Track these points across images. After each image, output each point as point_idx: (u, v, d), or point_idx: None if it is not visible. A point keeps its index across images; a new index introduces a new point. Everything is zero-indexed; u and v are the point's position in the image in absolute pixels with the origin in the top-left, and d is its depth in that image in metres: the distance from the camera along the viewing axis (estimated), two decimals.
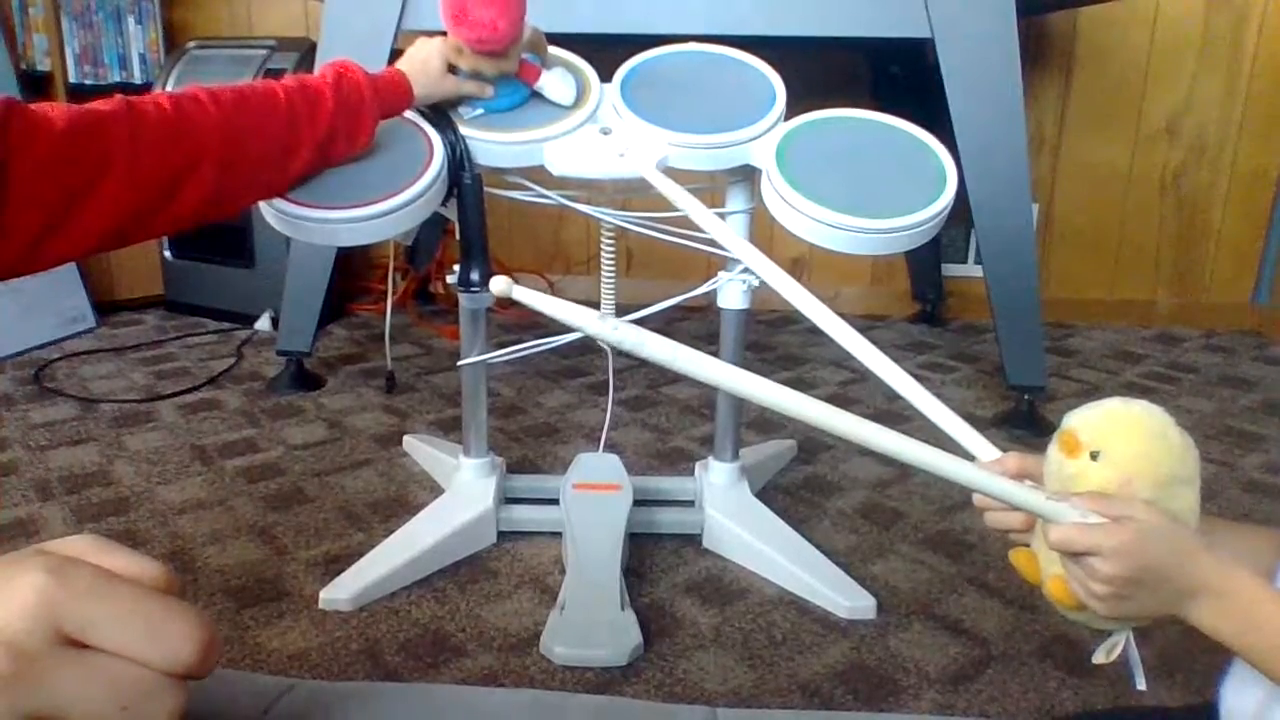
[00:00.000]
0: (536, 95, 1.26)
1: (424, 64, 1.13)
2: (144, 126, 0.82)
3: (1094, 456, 0.58)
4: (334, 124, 0.99)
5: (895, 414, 2.04)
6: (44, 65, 2.57)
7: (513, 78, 1.22)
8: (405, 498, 1.63)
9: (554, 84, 1.25)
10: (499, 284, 0.58)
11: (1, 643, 0.26)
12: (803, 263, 2.69)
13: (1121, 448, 0.58)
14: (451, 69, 1.16)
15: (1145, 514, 0.55)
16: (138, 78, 2.72)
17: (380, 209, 1.10)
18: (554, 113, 1.27)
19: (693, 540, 1.49)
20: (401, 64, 1.14)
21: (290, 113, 0.95)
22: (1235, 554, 0.56)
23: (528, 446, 1.86)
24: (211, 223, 0.93)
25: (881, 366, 0.74)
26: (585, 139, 1.26)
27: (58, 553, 0.29)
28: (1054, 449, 0.61)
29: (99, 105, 0.81)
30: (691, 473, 1.61)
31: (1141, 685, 0.62)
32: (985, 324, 1.79)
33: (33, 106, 0.75)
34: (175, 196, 0.86)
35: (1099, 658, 0.61)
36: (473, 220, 1.27)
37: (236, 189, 0.94)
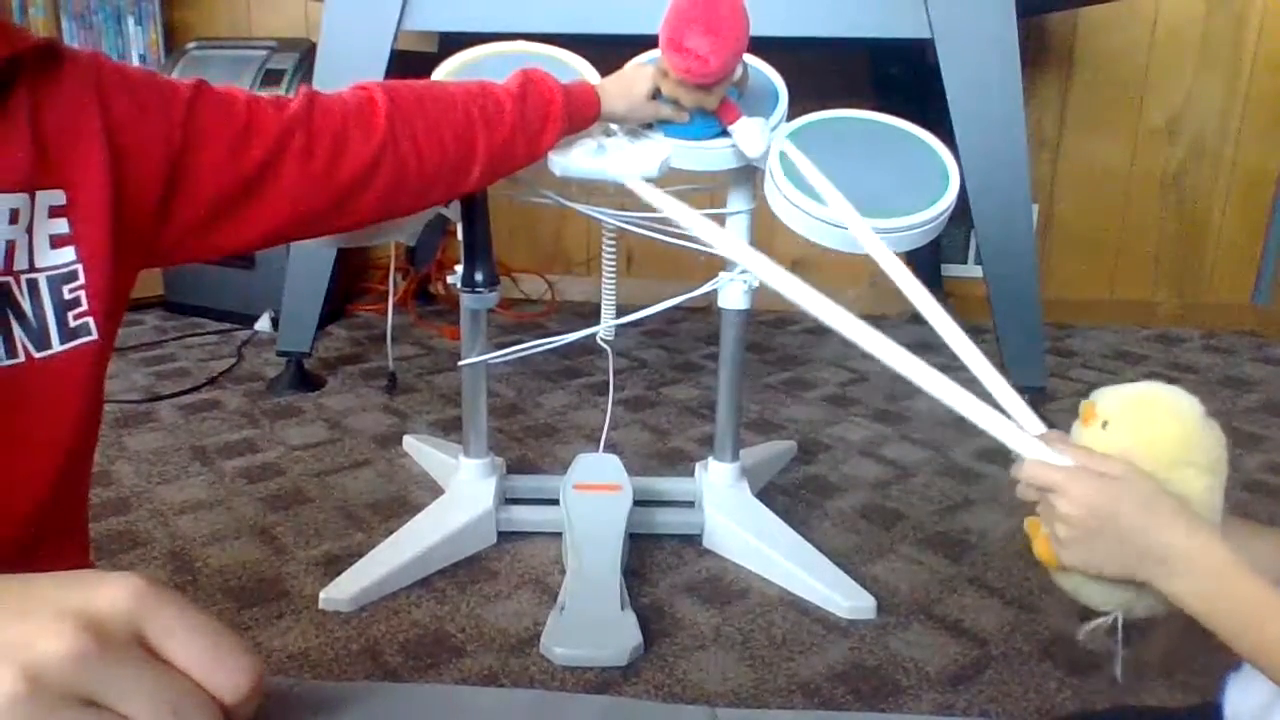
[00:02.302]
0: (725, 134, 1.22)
1: (629, 85, 1.13)
2: (319, 131, 0.78)
3: (1105, 427, 0.59)
4: (514, 134, 0.97)
5: (895, 414, 2.04)
6: None
7: (710, 112, 1.19)
8: (405, 498, 1.63)
9: (748, 132, 1.19)
10: None
11: (89, 623, 0.28)
12: (803, 263, 2.68)
13: (1129, 421, 0.59)
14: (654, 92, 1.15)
15: (1123, 472, 0.56)
16: None
17: None
18: None
19: (693, 540, 1.49)
20: (608, 80, 1.15)
21: (467, 119, 0.92)
22: (1253, 555, 0.56)
23: (528, 447, 1.86)
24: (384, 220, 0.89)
25: (899, 360, 0.75)
26: (587, 140, 1.25)
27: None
28: (1077, 419, 0.62)
29: (282, 99, 0.78)
30: (691, 473, 1.61)
31: (1117, 674, 0.64)
32: (985, 324, 1.79)
33: (220, 90, 0.71)
34: (348, 204, 0.82)
35: (1081, 634, 0.62)
36: (475, 221, 1.27)
37: (407, 196, 0.90)
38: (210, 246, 0.73)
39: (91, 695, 0.28)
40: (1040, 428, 0.67)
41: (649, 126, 1.22)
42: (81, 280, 0.59)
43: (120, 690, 0.28)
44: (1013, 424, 0.64)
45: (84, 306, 0.59)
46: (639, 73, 1.15)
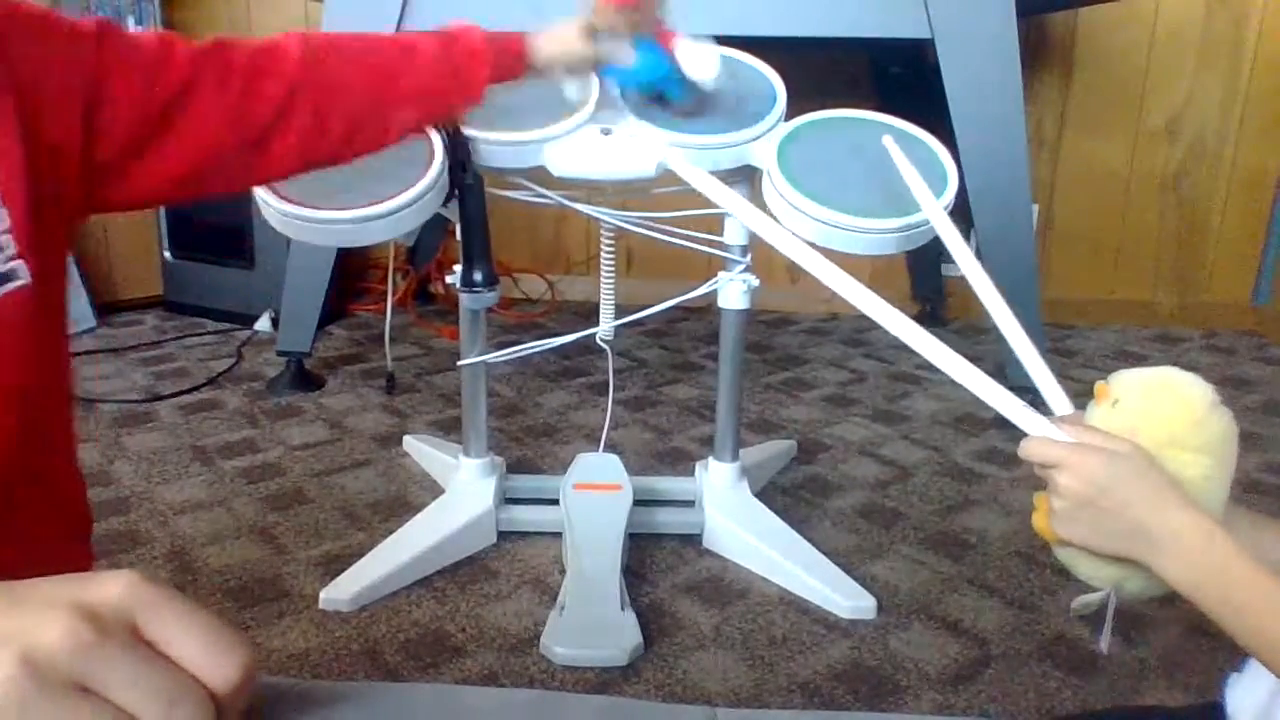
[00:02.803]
0: (675, 78, 1.18)
1: (559, 28, 1.08)
2: (232, 63, 0.79)
3: (1114, 405, 0.61)
4: (439, 72, 0.96)
5: (894, 414, 2.04)
6: None
7: (651, 43, 1.14)
8: (405, 498, 1.63)
9: (695, 54, 1.16)
10: None
11: (86, 613, 0.29)
12: None
13: (1137, 400, 0.60)
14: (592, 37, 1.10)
15: (1123, 448, 0.57)
16: None
17: (381, 210, 1.10)
18: (555, 113, 1.26)
19: (693, 540, 1.49)
20: (547, 30, 1.09)
21: (385, 59, 0.92)
22: (1256, 545, 0.56)
23: (528, 446, 1.86)
24: (313, 169, 0.90)
25: (921, 340, 0.78)
26: (586, 140, 1.26)
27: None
28: (1092, 400, 0.64)
29: (189, 39, 0.78)
30: (691, 473, 1.61)
31: (1104, 648, 0.67)
32: (985, 324, 1.79)
33: (126, 30, 0.72)
34: (267, 144, 0.82)
35: (1074, 606, 0.63)
36: (474, 221, 1.27)
37: (330, 141, 0.89)
38: (132, 190, 0.73)
39: (87, 683, 0.28)
40: (1069, 409, 0.68)
41: (593, 74, 1.16)
42: (6, 224, 0.59)
43: (116, 679, 0.29)
44: (1019, 401, 0.66)
45: (12, 250, 0.59)
46: (568, 19, 1.10)
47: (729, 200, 1.11)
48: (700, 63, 1.17)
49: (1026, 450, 0.61)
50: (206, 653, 0.31)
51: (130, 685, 0.29)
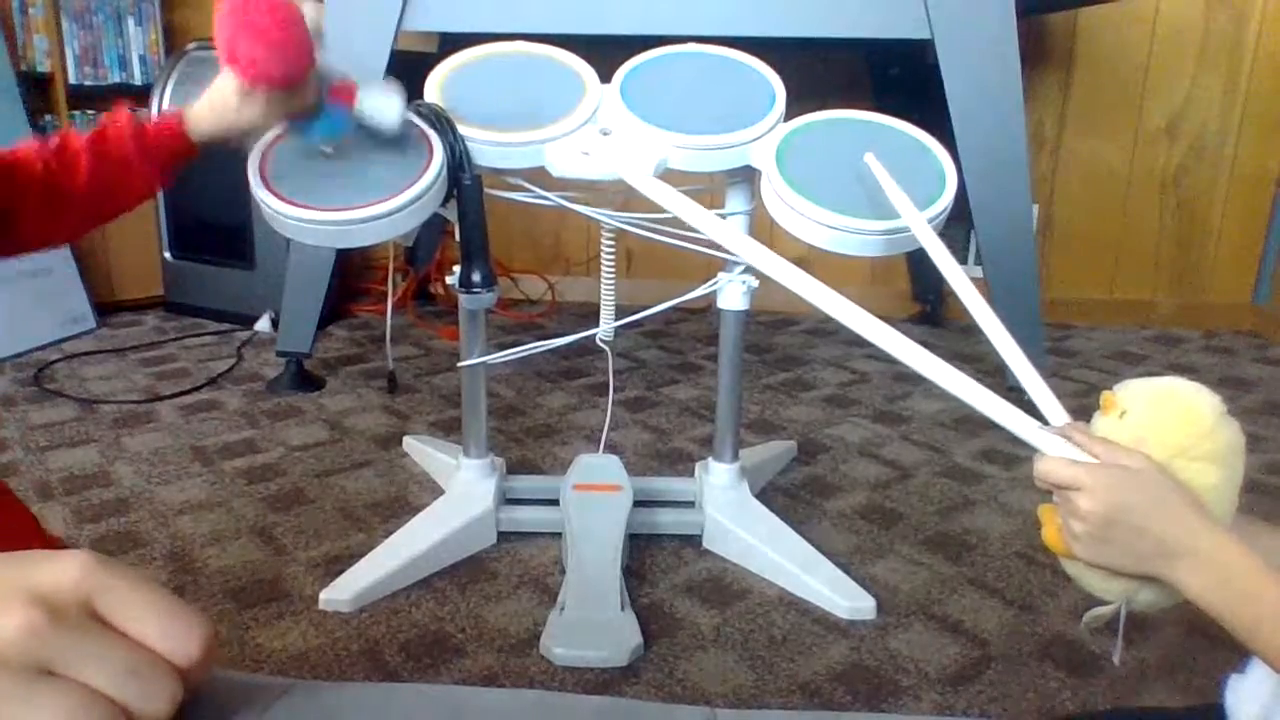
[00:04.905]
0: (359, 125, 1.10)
1: (215, 97, 1.01)
2: None
3: (1122, 416, 0.61)
4: (94, 184, 0.95)
5: (894, 414, 2.04)
6: (44, 66, 2.57)
7: (328, 104, 1.06)
8: (405, 498, 1.63)
9: (373, 102, 1.09)
10: None
11: (38, 599, 0.29)
12: (803, 263, 2.67)
13: (1144, 410, 0.61)
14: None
15: (1139, 464, 0.57)
16: (138, 79, 2.72)
17: (380, 210, 1.10)
18: (554, 113, 1.26)
19: (693, 541, 1.49)
20: (200, 100, 1.02)
21: (45, 177, 0.92)
22: (1263, 551, 0.56)
23: (528, 447, 1.86)
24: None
25: (913, 355, 0.77)
26: (585, 140, 1.26)
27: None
28: (1098, 410, 0.64)
29: None
30: (691, 473, 1.61)
31: (1117, 660, 0.65)
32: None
33: None
34: None
35: (1086, 620, 0.63)
36: (473, 222, 1.27)
37: (9, 245, 0.93)
38: None
39: (48, 666, 0.29)
40: (1065, 418, 0.68)
41: (282, 134, 1.10)
42: None
43: (77, 659, 0.29)
44: (1029, 419, 0.66)
45: None
46: (223, 81, 1.01)
47: (701, 218, 1.10)
48: (381, 111, 1.10)
49: (1044, 472, 0.60)
50: (165, 629, 0.31)
51: (91, 664, 0.29)
